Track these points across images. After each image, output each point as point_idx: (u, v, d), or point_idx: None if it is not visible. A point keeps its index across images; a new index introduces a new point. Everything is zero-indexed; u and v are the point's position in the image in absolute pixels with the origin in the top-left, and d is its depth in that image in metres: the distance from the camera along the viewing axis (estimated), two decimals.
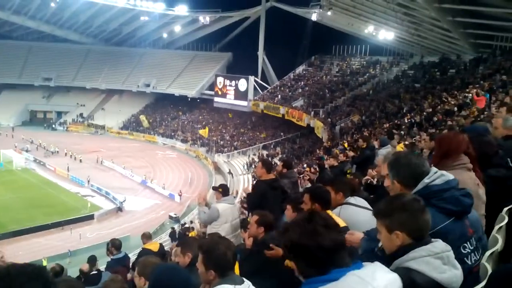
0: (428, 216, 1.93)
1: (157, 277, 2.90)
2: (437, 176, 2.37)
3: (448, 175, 2.42)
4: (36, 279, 1.39)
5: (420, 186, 2.36)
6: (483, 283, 2.04)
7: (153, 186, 41.41)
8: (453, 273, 1.85)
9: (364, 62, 52.13)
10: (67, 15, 65.52)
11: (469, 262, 2.16)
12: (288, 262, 3.47)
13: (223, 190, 6.11)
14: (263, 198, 5.72)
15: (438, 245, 1.88)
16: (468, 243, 2.21)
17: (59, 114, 71.08)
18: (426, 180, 2.36)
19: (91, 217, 33.68)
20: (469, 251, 2.20)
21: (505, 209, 3.03)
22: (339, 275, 1.53)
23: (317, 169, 10.61)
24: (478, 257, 2.23)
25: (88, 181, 40.70)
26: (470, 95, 19.53)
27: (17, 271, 1.39)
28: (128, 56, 70.48)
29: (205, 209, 5.88)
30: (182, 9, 62.85)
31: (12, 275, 1.37)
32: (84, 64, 70.95)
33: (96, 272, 6.63)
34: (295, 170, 10.45)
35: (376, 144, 9.42)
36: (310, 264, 1.58)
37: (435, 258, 1.83)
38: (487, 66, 29.04)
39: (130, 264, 6.98)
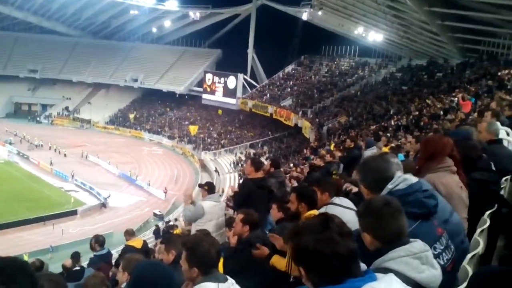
0: (399, 222, 1.93)
1: (139, 273, 2.86)
2: (400, 180, 2.39)
3: (412, 179, 2.43)
4: (22, 272, 1.37)
5: (384, 192, 2.38)
6: (463, 286, 2.06)
7: (141, 183, 41.09)
8: (432, 272, 1.87)
9: (353, 63, 52.44)
10: (55, 6, 64.54)
11: (442, 262, 2.18)
12: (275, 262, 3.48)
13: (209, 188, 6.09)
14: (250, 197, 5.73)
15: (417, 245, 1.90)
16: (438, 243, 2.23)
17: (44, 107, 70.12)
18: (389, 186, 2.38)
19: (74, 213, 33.33)
20: (440, 251, 2.23)
21: (487, 212, 3.07)
22: (355, 285, 1.48)
23: (303, 169, 10.65)
24: (450, 256, 2.26)
25: (72, 176, 40.24)
26: (456, 99, 19.78)
27: (3, 262, 1.37)
28: (116, 50, 69.72)
29: (190, 207, 5.86)
30: (172, 4, 62.38)
31: None
32: (71, 56, 70.00)
33: (79, 268, 6.56)
34: (282, 169, 10.48)
35: (362, 144, 9.48)
36: (323, 273, 1.50)
37: (414, 258, 1.85)
38: (474, 70, 29.43)
39: (113, 261, 6.92)
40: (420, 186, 2.38)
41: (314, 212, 3.58)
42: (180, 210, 31.78)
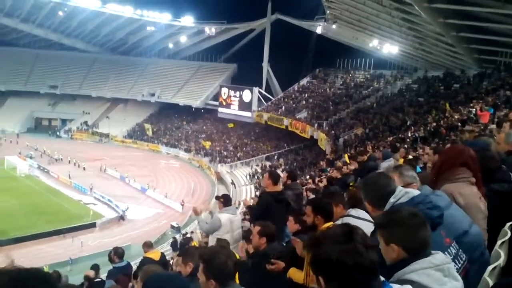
0: (426, 232, 1.93)
1: (153, 284, 2.81)
2: (402, 194, 2.43)
3: (413, 192, 2.46)
4: (45, 283, 1.41)
5: (387, 206, 2.41)
6: None
7: (157, 195, 41.36)
8: (454, 285, 1.86)
9: (368, 76, 52.24)
10: (74, 24, 66.27)
11: None
12: (293, 275, 3.47)
13: (224, 200, 6.13)
14: (267, 210, 5.73)
15: (439, 257, 1.89)
16: (446, 253, 2.22)
17: (64, 121, 71.51)
18: (391, 200, 2.41)
19: (93, 225, 33.65)
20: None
21: (508, 224, 3.03)
22: None
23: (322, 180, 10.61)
24: (460, 266, 2.25)
25: (91, 189, 40.73)
26: (474, 110, 19.52)
27: (27, 273, 1.40)
28: (133, 65, 71.02)
29: (207, 218, 5.90)
30: (188, 20, 63.50)
31: (22, 277, 1.39)
32: (90, 72, 71.53)
33: (100, 280, 6.65)
34: (298, 181, 10.46)
35: (378, 155, 9.42)
36: (344, 284, 1.48)
37: (436, 270, 1.84)
38: (491, 81, 29.03)
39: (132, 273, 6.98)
40: (422, 198, 2.40)
41: (330, 224, 3.58)
42: (197, 222, 31.81)
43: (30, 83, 70.01)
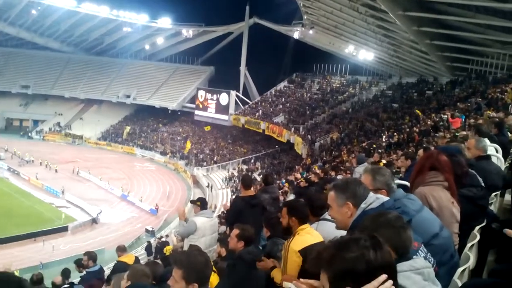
0: (410, 233, 1.97)
1: None
2: (372, 199, 2.45)
3: (383, 198, 2.48)
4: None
5: (358, 211, 2.41)
6: None
7: (131, 198, 40.74)
8: None
9: (344, 81, 52.99)
10: (48, 23, 64.81)
11: None
12: (275, 276, 3.50)
13: (201, 204, 6.11)
14: (240, 215, 5.72)
15: (419, 261, 1.92)
16: (415, 256, 2.27)
17: (36, 122, 69.63)
18: (362, 205, 2.42)
19: (65, 229, 32.88)
20: None
21: (477, 227, 3.13)
22: None
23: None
24: None
25: (63, 192, 39.80)
26: (446, 116, 19.99)
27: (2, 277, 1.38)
28: (108, 66, 69.92)
29: (183, 222, 5.87)
30: (165, 22, 62.99)
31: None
32: (64, 72, 70.00)
33: (68, 285, 6.49)
34: (275, 185, 10.47)
35: (353, 162, 9.54)
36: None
37: (416, 274, 1.86)
38: (463, 89, 29.87)
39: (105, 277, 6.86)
40: (392, 204, 2.44)
41: (306, 226, 3.61)
42: (172, 226, 31.55)
43: (1, 83, 67.90)
